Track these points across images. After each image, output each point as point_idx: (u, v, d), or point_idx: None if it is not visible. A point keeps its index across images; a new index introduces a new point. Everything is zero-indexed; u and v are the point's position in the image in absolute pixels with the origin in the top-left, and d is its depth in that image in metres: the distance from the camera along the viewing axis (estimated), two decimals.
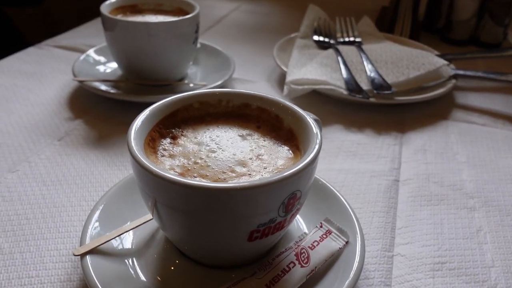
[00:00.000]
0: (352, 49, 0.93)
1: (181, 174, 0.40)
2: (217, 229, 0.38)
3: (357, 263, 0.44)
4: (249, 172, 0.41)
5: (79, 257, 0.42)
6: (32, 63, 0.91)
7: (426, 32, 1.19)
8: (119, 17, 0.80)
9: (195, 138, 0.45)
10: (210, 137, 0.45)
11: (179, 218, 0.39)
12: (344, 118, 0.77)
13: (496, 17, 1.10)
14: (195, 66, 0.89)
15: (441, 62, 0.85)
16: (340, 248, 0.46)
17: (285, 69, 0.86)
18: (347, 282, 0.41)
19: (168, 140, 0.44)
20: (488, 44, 1.13)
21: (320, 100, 0.80)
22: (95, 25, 1.11)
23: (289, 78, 0.78)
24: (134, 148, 0.38)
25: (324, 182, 0.53)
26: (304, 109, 0.46)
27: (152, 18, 0.82)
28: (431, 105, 0.83)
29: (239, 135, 0.46)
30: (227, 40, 1.10)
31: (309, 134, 0.43)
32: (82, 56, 0.85)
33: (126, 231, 0.46)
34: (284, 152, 0.44)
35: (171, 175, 0.36)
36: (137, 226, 0.47)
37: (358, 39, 1.01)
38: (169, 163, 0.41)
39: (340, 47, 0.93)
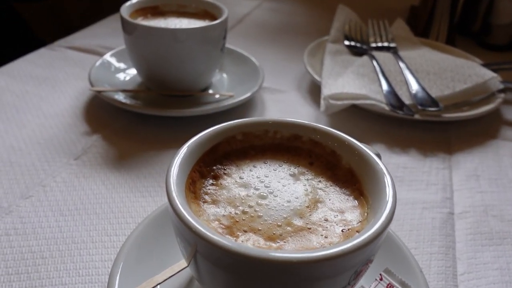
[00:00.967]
0: (389, 56, 0.85)
1: (228, 228, 0.34)
2: None
3: None
4: (308, 226, 0.34)
5: None
6: (45, 67, 0.84)
7: (460, 36, 1.12)
8: (140, 20, 0.74)
9: (240, 178, 0.39)
10: (257, 177, 0.39)
11: (224, 277, 0.33)
12: (385, 136, 0.70)
13: None
14: (219, 73, 0.82)
15: (490, 74, 0.78)
16: None
17: (317, 78, 0.79)
18: None
19: (210, 181, 0.38)
20: None
21: (358, 115, 0.73)
22: (112, 23, 1.04)
23: (326, 91, 0.71)
24: (177, 201, 0.32)
25: None
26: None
27: (175, 21, 0.75)
28: (478, 122, 0.76)
29: (290, 174, 0.40)
30: (251, 42, 1.02)
31: (375, 177, 0.36)
32: (99, 62, 0.78)
33: (159, 283, 0.40)
34: (346, 198, 0.38)
35: (219, 239, 0.29)
36: (170, 277, 0.40)
37: (392, 45, 0.93)
38: (213, 212, 0.35)
39: (376, 54, 0.86)
